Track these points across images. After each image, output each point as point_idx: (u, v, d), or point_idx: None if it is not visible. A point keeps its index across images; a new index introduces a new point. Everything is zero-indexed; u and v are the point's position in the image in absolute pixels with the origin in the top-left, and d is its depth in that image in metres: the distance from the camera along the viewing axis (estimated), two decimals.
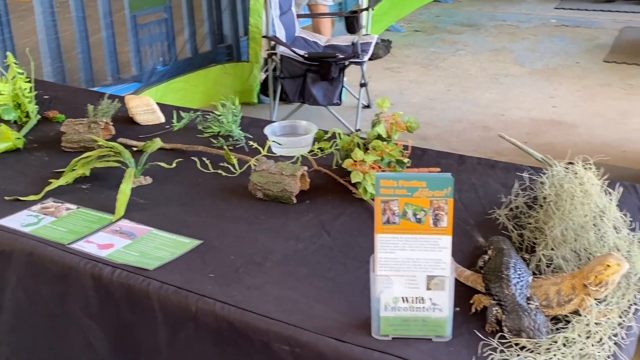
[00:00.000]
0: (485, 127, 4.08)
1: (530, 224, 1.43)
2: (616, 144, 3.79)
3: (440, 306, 1.15)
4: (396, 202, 1.13)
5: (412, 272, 1.14)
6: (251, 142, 1.82)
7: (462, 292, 1.26)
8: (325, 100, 3.90)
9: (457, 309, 1.21)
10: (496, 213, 1.52)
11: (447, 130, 4.08)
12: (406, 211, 1.13)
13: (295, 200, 1.59)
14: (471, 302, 1.23)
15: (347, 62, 3.88)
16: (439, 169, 1.74)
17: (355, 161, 1.59)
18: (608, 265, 1.16)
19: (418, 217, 1.13)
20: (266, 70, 4.23)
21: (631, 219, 1.42)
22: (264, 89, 4.32)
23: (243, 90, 4.33)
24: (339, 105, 3.96)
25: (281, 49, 3.90)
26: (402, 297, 1.15)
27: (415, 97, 4.64)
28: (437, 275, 1.14)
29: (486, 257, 1.33)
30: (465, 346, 1.13)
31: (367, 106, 4.32)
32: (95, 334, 1.39)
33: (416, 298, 1.15)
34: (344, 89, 4.04)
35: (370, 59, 4.14)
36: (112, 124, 1.96)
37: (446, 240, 1.13)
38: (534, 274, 1.28)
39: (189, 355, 1.28)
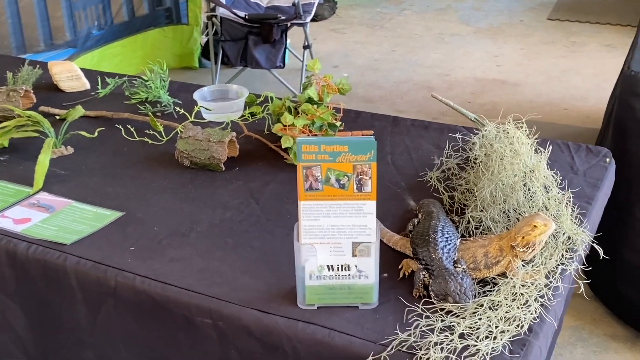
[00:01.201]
0: (430, 87, 4.05)
1: (461, 185, 1.41)
2: (558, 101, 3.81)
3: (366, 273, 1.12)
4: (318, 167, 1.09)
5: (336, 239, 1.11)
6: (178, 108, 1.74)
7: (392, 257, 1.24)
8: (268, 63, 3.82)
9: (385, 274, 1.19)
10: (428, 175, 1.49)
11: (392, 92, 4.05)
12: (329, 177, 1.09)
13: (223, 168, 1.53)
14: (400, 267, 1.20)
15: (289, 24, 3.79)
16: (372, 132, 1.71)
17: (284, 126, 1.54)
18: (535, 226, 1.14)
19: (341, 182, 1.09)
20: (207, 34, 4.11)
21: (562, 178, 1.42)
22: (205, 52, 4.20)
23: (183, 54, 4.21)
24: (282, 68, 3.87)
25: (221, 11, 3.78)
26: (328, 265, 1.12)
27: (360, 58, 4.58)
28: (362, 241, 1.11)
29: (416, 220, 1.31)
30: (391, 312, 1.10)
31: None
32: (13, 312, 1.33)
33: (342, 266, 1.12)
34: (287, 51, 3.95)
35: (315, 20, 4.07)
36: (32, 91, 1.86)
37: (370, 206, 1.10)
38: (463, 236, 1.26)
39: (110, 332, 1.23)
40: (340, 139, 1.12)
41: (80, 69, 2.02)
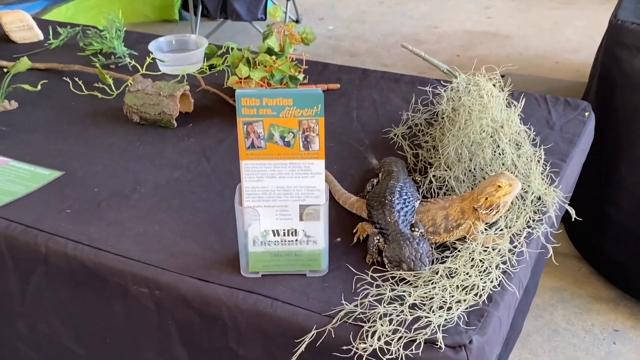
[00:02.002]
0: (418, 40, 3.92)
1: (427, 142, 1.31)
2: (549, 54, 3.69)
3: (315, 238, 1.03)
4: (260, 123, 0.99)
5: (282, 201, 1.02)
6: (129, 60, 1.63)
7: (347, 221, 1.15)
8: (249, 15, 3.68)
9: (339, 239, 1.11)
10: (393, 132, 1.39)
11: (378, 45, 3.91)
12: (272, 133, 0.99)
13: (175, 124, 1.43)
14: (354, 231, 1.12)
15: None
16: (338, 85, 1.60)
17: (240, 79, 1.43)
18: (499, 186, 1.05)
19: (286, 140, 0.99)
20: None
21: (536, 133, 1.32)
22: (185, 4, 4.05)
23: (163, 5, 4.06)
24: (264, 20, 3.74)
25: None
26: (273, 230, 1.03)
27: (347, 10, 4.42)
28: (310, 204, 1.01)
29: (375, 181, 1.22)
30: (341, 280, 1.02)
31: (296, 21, 4.10)
32: None
33: (288, 230, 1.03)
34: (269, 2, 3.81)
35: None
36: None
37: (319, 165, 1.00)
38: (424, 197, 1.17)
39: (42, 302, 1.15)
40: (284, 91, 1.02)
41: (35, 19, 1.91)
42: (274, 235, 1.03)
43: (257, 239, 1.03)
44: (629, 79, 1.73)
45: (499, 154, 1.21)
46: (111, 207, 1.20)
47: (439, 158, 1.21)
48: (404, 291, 0.96)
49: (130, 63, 1.64)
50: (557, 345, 1.86)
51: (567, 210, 1.19)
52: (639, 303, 1.97)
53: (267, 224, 1.02)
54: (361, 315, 0.93)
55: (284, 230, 1.03)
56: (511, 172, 1.15)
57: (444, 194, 1.17)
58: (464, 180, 1.18)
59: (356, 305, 0.94)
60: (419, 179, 1.22)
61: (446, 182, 1.18)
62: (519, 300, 1.06)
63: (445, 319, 0.92)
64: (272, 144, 0.99)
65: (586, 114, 1.45)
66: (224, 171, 1.30)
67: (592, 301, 2.02)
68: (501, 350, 1.08)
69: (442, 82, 1.47)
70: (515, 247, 1.05)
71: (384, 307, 0.93)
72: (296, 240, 1.03)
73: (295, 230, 1.02)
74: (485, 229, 1.07)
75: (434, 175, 1.18)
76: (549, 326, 1.93)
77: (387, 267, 1.02)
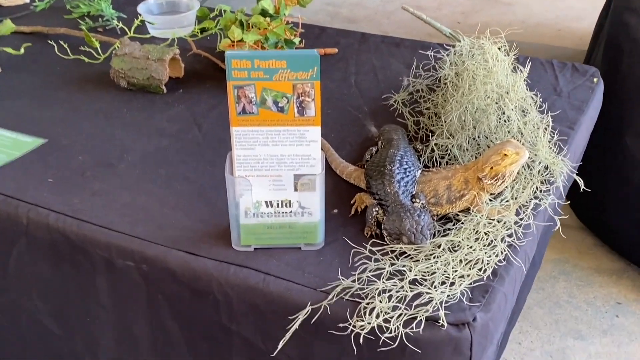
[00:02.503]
0: (418, 7, 3.78)
1: (428, 109, 1.25)
2: (551, 22, 3.60)
3: (310, 209, 0.97)
4: (252, 87, 0.92)
5: (276, 171, 0.96)
6: (117, 23, 1.56)
7: (344, 191, 1.09)
8: None
9: (336, 210, 1.05)
10: (393, 98, 1.33)
11: (377, 12, 3.82)
12: (265, 98, 0.93)
13: (165, 90, 1.36)
14: (352, 202, 1.06)
15: None
16: (336, 50, 1.54)
17: (233, 42, 1.36)
18: (505, 155, 0.99)
19: (280, 105, 0.93)
20: None
21: (542, 100, 1.26)
22: None
23: None
24: None
25: None
26: (265, 201, 0.97)
27: None
28: (305, 173, 0.96)
29: (374, 149, 1.16)
30: (337, 254, 0.96)
31: None
32: None
33: (282, 201, 0.97)
34: None
35: None
36: None
37: (314, 132, 0.94)
38: (426, 167, 1.12)
39: (23, 276, 1.09)
40: (277, 52, 0.95)
41: None
42: (267, 207, 0.97)
43: (249, 211, 0.97)
44: (637, 45, 1.66)
45: (505, 121, 1.15)
46: (96, 176, 1.14)
47: (442, 125, 1.15)
48: (404, 266, 0.91)
49: (118, 26, 1.57)
50: (558, 318, 1.82)
51: (574, 181, 1.13)
52: None
53: (260, 194, 0.97)
54: (359, 291, 0.88)
55: (278, 201, 0.97)
56: (517, 140, 1.09)
57: (447, 163, 1.12)
58: (467, 149, 1.12)
59: (353, 281, 0.89)
60: (420, 147, 1.16)
61: (449, 151, 1.12)
62: (525, 275, 1.01)
63: (448, 295, 0.87)
64: (265, 110, 0.93)
65: (594, 80, 1.39)
66: (215, 139, 1.23)
67: (594, 273, 1.97)
68: (506, 326, 1.03)
69: (444, 45, 1.40)
70: (521, 219, 1.00)
71: (383, 282, 0.88)
72: (290, 211, 0.97)
73: (290, 201, 0.97)
74: (490, 200, 1.02)
75: (436, 144, 1.13)
76: (550, 299, 1.88)
77: (386, 240, 0.96)
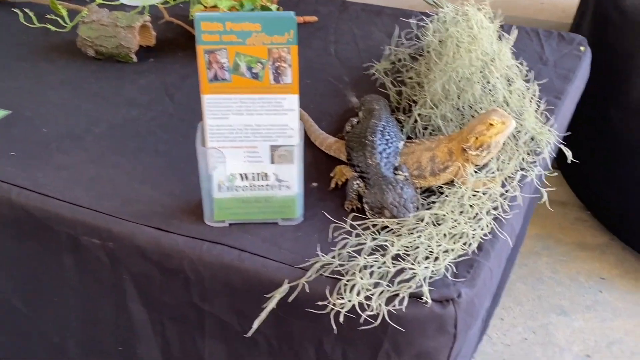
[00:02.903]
0: None
1: (411, 79, 1.20)
2: None
3: (288, 182, 0.92)
4: (224, 51, 0.87)
5: (251, 142, 0.91)
6: None
7: (324, 164, 1.05)
8: None
9: (314, 184, 1.01)
10: (375, 67, 1.28)
11: None
12: (238, 64, 0.87)
13: (135, 59, 1.30)
14: (332, 175, 1.02)
15: None
16: (315, 18, 1.48)
17: (206, 7, 1.30)
18: (490, 124, 0.95)
19: (254, 71, 0.88)
20: None
21: (528, 69, 1.22)
22: None
23: None
24: None
25: None
26: (240, 174, 0.92)
27: None
28: (282, 144, 0.91)
29: (355, 120, 1.11)
30: (317, 230, 0.92)
31: None
32: None
33: (258, 174, 0.92)
34: None
35: None
36: None
37: (292, 101, 0.89)
38: (409, 138, 1.07)
39: None
40: (251, 14, 0.89)
41: None
42: (242, 180, 0.92)
43: (222, 184, 0.92)
44: (626, 17, 1.62)
45: (490, 90, 1.10)
46: (61, 149, 1.08)
47: (425, 95, 1.11)
48: (386, 240, 0.87)
49: None
50: (541, 294, 1.80)
51: (560, 151, 1.10)
52: (625, 250, 1.91)
53: (234, 167, 0.92)
54: (339, 268, 0.83)
55: (253, 174, 0.92)
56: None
57: (430, 134, 1.08)
58: (451, 119, 1.08)
59: (333, 257, 0.85)
60: (403, 118, 1.12)
61: (432, 121, 1.08)
62: (510, 249, 0.98)
63: (432, 271, 0.82)
64: (238, 76, 0.88)
65: (581, 48, 1.36)
66: (188, 111, 1.18)
67: (577, 249, 1.95)
68: (491, 303, 1.00)
69: (428, 12, 1.35)
70: (507, 191, 0.96)
71: (364, 258, 0.83)
72: (267, 185, 0.92)
73: (266, 174, 0.92)
74: (475, 172, 0.98)
75: (419, 114, 1.08)
76: (532, 275, 1.86)
77: (367, 214, 0.92)
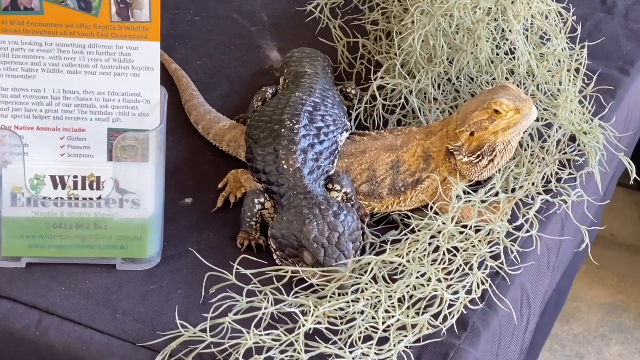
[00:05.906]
0: None
1: (375, 24, 1.27)
2: None
3: (136, 195, 0.96)
4: None
5: (73, 121, 0.96)
6: None
7: (209, 165, 1.11)
8: None
9: (188, 200, 1.06)
10: (315, 2, 1.34)
11: None
12: None
13: None
14: (220, 185, 1.06)
15: None
16: None
17: None
18: (496, 111, 0.99)
19: None
20: None
21: (576, 20, 1.27)
22: None
23: None
24: None
25: None
26: (53, 177, 0.96)
27: None
28: (129, 127, 0.96)
29: (269, 91, 1.16)
30: (183, 280, 0.97)
31: None
32: None
33: (84, 178, 0.97)
34: None
35: None
36: None
37: (149, 52, 0.95)
38: (359, 128, 1.12)
39: None
40: None
41: None
42: (56, 187, 0.97)
43: (19, 193, 0.95)
44: None
45: (506, 53, 1.16)
46: None
47: (394, 55, 1.15)
48: (300, 305, 0.88)
49: None
50: None
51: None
52: None
53: (43, 164, 0.96)
54: (212, 349, 0.85)
55: (76, 177, 0.97)
56: (520, 87, 1.10)
57: (397, 123, 1.12)
58: (435, 98, 1.13)
59: (204, 330, 0.86)
60: (353, 92, 1.17)
61: (402, 100, 1.12)
62: (526, 328, 1.02)
63: None
64: (55, 6, 0.93)
65: None
66: None
67: None
68: None
69: None
70: (519, 227, 0.99)
71: (258, 334, 0.85)
72: (99, 198, 0.97)
73: (99, 178, 0.97)
74: (467, 192, 1.01)
75: (381, 86, 1.12)
76: None
77: (274, 255, 0.96)
